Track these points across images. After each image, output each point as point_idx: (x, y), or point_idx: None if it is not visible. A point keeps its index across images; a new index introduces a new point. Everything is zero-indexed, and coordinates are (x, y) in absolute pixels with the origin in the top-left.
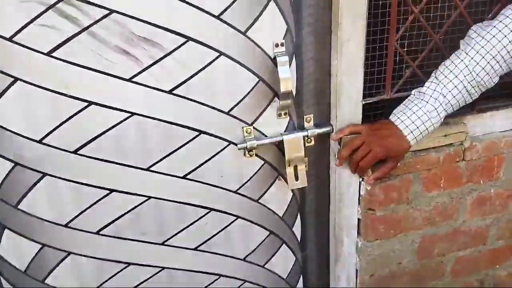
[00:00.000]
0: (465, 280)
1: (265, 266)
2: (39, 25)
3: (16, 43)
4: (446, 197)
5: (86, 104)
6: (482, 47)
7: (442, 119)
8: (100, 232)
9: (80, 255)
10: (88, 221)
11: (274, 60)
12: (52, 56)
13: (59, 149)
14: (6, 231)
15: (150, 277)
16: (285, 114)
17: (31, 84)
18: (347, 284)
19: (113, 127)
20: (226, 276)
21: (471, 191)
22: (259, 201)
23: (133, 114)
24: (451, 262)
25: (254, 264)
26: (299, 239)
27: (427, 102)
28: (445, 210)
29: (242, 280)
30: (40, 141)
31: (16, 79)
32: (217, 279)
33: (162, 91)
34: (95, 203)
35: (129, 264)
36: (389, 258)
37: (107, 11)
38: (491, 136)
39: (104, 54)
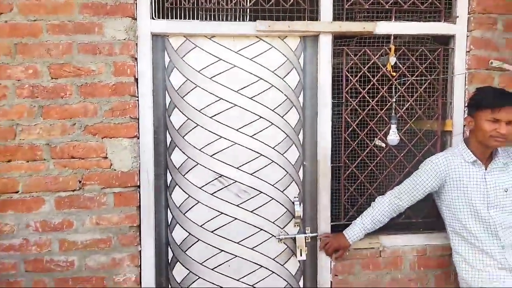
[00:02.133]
0: None
1: None
2: (210, 184)
3: None
4: (374, 275)
5: (219, 213)
6: (378, 208)
7: (364, 235)
8: (214, 270)
9: (202, 278)
10: (210, 262)
11: (293, 203)
12: (212, 195)
13: (207, 230)
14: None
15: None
16: (297, 225)
17: (202, 204)
18: None
19: (227, 223)
20: None
21: (387, 273)
22: (283, 265)
23: (235, 219)
24: None
25: None
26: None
27: (357, 227)
28: (374, 282)
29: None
30: (200, 225)
31: (198, 202)
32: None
33: (248, 210)
34: (215, 255)
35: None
36: None
37: (232, 181)
38: (394, 247)
39: (230, 195)
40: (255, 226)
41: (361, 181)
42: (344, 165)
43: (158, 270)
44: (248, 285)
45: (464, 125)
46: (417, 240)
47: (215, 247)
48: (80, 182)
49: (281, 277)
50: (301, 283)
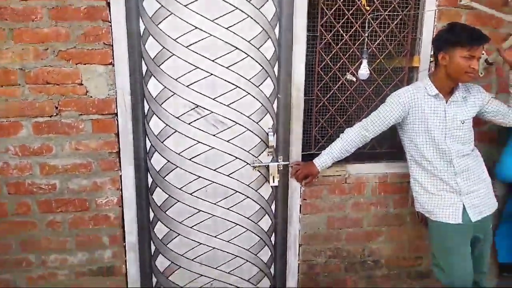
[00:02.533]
0: (353, 246)
1: (257, 223)
2: (187, 114)
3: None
4: (339, 199)
5: (196, 142)
6: (346, 139)
7: (331, 163)
8: (192, 194)
9: (181, 202)
10: (187, 188)
11: (267, 134)
12: (190, 125)
13: (185, 157)
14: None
15: (207, 185)
16: (270, 154)
17: (180, 133)
18: (294, 237)
19: (204, 152)
20: (238, 225)
21: (351, 198)
22: (257, 191)
23: (212, 148)
24: (344, 233)
25: (251, 221)
26: (273, 212)
27: (325, 156)
28: (339, 205)
29: (245, 228)
30: (178, 153)
31: (175, 131)
32: (234, 226)
33: (224, 140)
34: (193, 180)
35: (199, 210)
36: (313, 225)
37: (209, 112)
38: (359, 175)
39: (207, 125)
40: (231, 155)
41: (332, 114)
42: (316, 98)
43: (138, 194)
44: (224, 207)
45: (430, 61)
46: (379, 168)
47: (192, 173)
48: (56, 108)
49: (254, 201)
50: (273, 207)
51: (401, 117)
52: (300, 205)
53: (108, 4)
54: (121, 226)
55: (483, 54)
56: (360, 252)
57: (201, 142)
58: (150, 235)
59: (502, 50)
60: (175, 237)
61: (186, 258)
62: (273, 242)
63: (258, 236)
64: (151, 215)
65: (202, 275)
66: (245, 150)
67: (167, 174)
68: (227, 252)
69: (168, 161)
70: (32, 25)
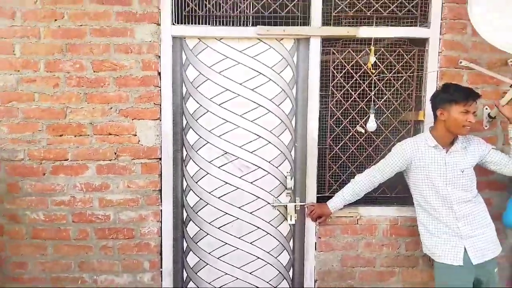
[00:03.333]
0: (367, 286)
1: (277, 258)
2: (218, 159)
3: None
4: (351, 238)
5: (224, 183)
6: (357, 183)
7: (343, 205)
8: (220, 228)
9: (212, 175)
10: (218, 223)
11: (286, 177)
12: (219, 168)
13: (214, 196)
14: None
15: (232, 191)
16: (288, 195)
17: (211, 175)
18: (310, 273)
19: (231, 192)
20: (259, 258)
21: (363, 238)
22: (277, 228)
23: (237, 188)
24: (357, 272)
25: (271, 255)
26: (291, 248)
27: (338, 198)
28: (351, 245)
29: (266, 262)
30: (209, 192)
31: (207, 173)
32: (255, 260)
33: (248, 182)
34: (221, 216)
35: (226, 183)
36: (327, 262)
37: (236, 157)
38: (370, 217)
39: (233, 169)
40: (254, 195)
41: (344, 161)
42: (329, 147)
43: (175, 226)
44: (247, 242)
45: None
46: (390, 211)
47: (221, 210)
48: (115, 153)
49: (274, 237)
50: (291, 243)
51: (404, 166)
52: (316, 243)
53: (159, 73)
54: (159, 253)
55: (486, 108)
56: None
57: (229, 183)
58: (183, 263)
59: (500, 106)
60: (204, 266)
61: (213, 286)
62: (291, 276)
63: (277, 270)
64: (185, 245)
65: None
66: (266, 191)
67: (199, 210)
68: (248, 283)
69: (201, 198)
70: (101, 90)
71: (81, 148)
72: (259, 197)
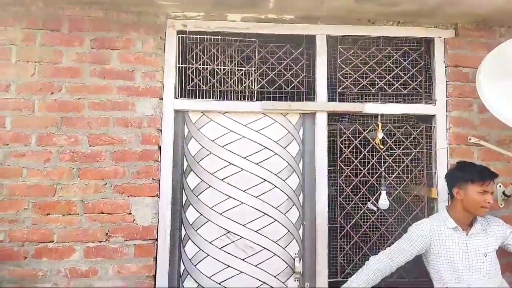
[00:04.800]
0: None
1: None
2: (220, 239)
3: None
4: None
5: (227, 266)
6: (371, 267)
7: None
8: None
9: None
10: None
11: (294, 259)
12: (221, 249)
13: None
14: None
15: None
16: (297, 280)
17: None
18: None
19: (232, 276)
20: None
21: None
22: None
23: (241, 272)
24: None
25: None
26: None
27: (352, 284)
28: None
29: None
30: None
31: (207, 255)
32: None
33: (252, 265)
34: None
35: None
36: None
37: (239, 237)
38: None
39: (236, 250)
40: (259, 280)
41: (356, 241)
42: (340, 226)
43: None
44: None
45: (448, 193)
46: None
47: None
48: (106, 234)
49: None
50: None
51: (423, 249)
52: None
53: (159, 147)
54: None
55: (500, 186)
56: None
57: (231, 267)
58: None
59: None
60: None
61: None
62: None
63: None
64: None
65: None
66: (272, 275)
67: None
68: None
69: (199, 284)
70: (96, 165)
71: (69, 229)
72: (264, 282)
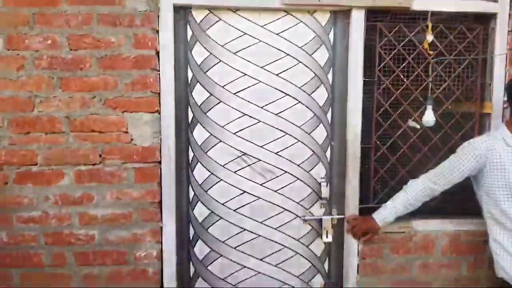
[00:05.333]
0: None
1: (308, 283)
2: (234, 162)
3: None
4: (403, 259)
5: (242, 192)
6: (410, 192)
7: (394, 219)
8: (236, 248)
9: (225, 181)
10: (233, 241)
11: (320, 184)
12: (235, 173)
13: (230, 208)
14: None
15: (252, 201)
16: (323, 207)
17: (225, 181)
18: None
19: (250, 202)
20: (286, 284)
21: (417, 258)
22: (308, 247)
23: (259, 198)
24: None
25: (302, 280)
26: (327, 271)
27: (387, 210)
28: (403, 267)
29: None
30: (223, 204)
31: (220, 180)
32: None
33: (272, 190)
34: (237, 233)
35: (244, 192)
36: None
37: (256, 160)
38: (427, 232)
39: (253, 174)
40: (279, 206)
41: (393, 163)
42: (375, 146)
43: (179, 247)
44: (271, 264)
45: (504, 107)
46: (450, 225)
47: (237, 225)
48: (100, 156)
49: (305, 258)
50: (326, 265)
51: (475, 170)
52: (358, 265)
53: (157, 53)
54: (159, 282)
55: None
56: None
57: (247, 192)
58: None
59: None
60: None
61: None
62: None
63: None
64: (192, 270)
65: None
66: (295, 202)
67: (210, 226)
68: None
69: (212, 211)
70: (80, 74)
71: (55, 149)
72: (285, 209)
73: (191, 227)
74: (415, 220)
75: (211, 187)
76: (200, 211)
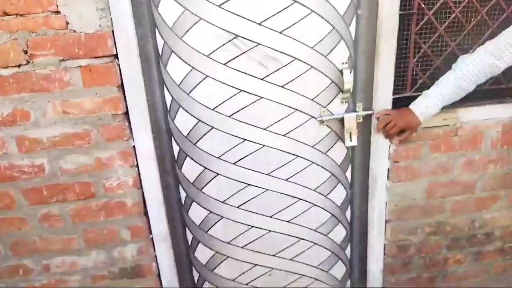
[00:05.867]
0: (460, 217)
1: (327, 196)
2: (222, 50)
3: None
4: (445, 158)
5: (238, 91)
6: (462, 70)
7: (440, 109)
8: (236, 164)
9: (223, 175)
10: (231, 155)
11: (341, 71)
12: (226, 66)
13: (222, 114)
14: (187, 158)
15: (259, 194)
16: (345, 102)
17: (213, 78)
18: (379, 212)
19: (249, 104)
20: (302, 200)
21: (462, 155)
22: (326, 153)
23: (260, 98)
24: (450, 203)
25: (320, 193)
26: (349, 180)
27: (431, 98)
28: (444, 166)
29: (312, 203)
30: (213, 109)
31: (206, 76)
32: (296, 201)
33: (278, 85)
34: (236, 146)
35: (248, 185)
36: (407, 194)
37: (254, 44)
38: (475, 122)
39: (251, 65)
40: (287, 106)
41: (441, 35)
42: (418, 11)
43: (162, 169)
44: (282, 180)
45: None
46: (505, 111)
47: (234, 135)
48: (25, 52)
49: (323, 167)
50: (348, 173)
51: None
52: (389, 170)
53: None
54: (144, 214)
55: None
56: (468, 225)
57: (244, 90)
58: (184, 219)
59: None
60: (218, 221)
61: (235, 245)
62: (348, 219)
63: (329, 212)
64: (183, 195)
65: (256, 255)
66: (308, 98)
67: (199, 139)
68: (289, 235)
69: (200, 120)
70: None
71: None
72: (296, 109)
73: (173, 141)
74: (462, 108)
75: (194, 87)
76: (183, 120)
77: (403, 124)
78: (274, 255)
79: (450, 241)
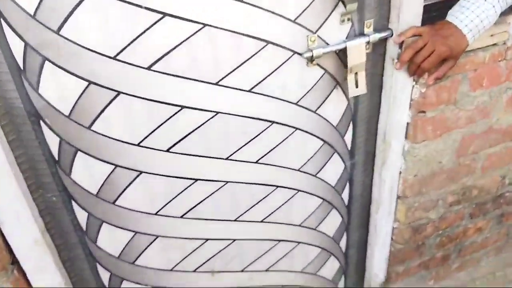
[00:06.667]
0: (491, 175)
1: (317, 175)
2: None
3: None
4: (487, 96)
5: (161, 16)
6: None
7: (493, 20)
8: (170, 150)
9: (151, 173)
10: (159, 139)
11: None
12: None
13: (133, 65)
14: (79, 153)
15: (215, 191)
16: (348, 19)
17: None
18: (390, 185)
19: (185, 40)
20: (282, 187)
21: (508, 89)
22: (317, 111)
23: (205, 25)
24: (482, 159)
25: (308, 173)
26: (349, 148)
27: (485, 5)
28: (485, 109)
29: (296, 190)
30: (114, 58)
31: None
32: (274, 190)
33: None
34: (166, 120)
35: (196, 180)
36: (432, 158)
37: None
38: None
39: None
40: (260, 39)
41: None
42: None
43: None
44: (249, 162)
45: None
46: None
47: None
48: None
49: (310, 133)
50: (348, 137)
51: None
52: (408, 123)
53: None
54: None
55: None
56: (498, 183)
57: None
58: (90, 251)
59: None
60: (152, 243)
61: (182, 272)
62: (346, 202)
63: (319, 197)
64: (81, 213)
65: (216, 278)
66: (289, 20)
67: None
68: (263, 240)
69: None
70: None
71: None
72: (268, 42)
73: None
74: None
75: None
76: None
77: (446, 48)
78: (242, 271)
79: (473, 208)
